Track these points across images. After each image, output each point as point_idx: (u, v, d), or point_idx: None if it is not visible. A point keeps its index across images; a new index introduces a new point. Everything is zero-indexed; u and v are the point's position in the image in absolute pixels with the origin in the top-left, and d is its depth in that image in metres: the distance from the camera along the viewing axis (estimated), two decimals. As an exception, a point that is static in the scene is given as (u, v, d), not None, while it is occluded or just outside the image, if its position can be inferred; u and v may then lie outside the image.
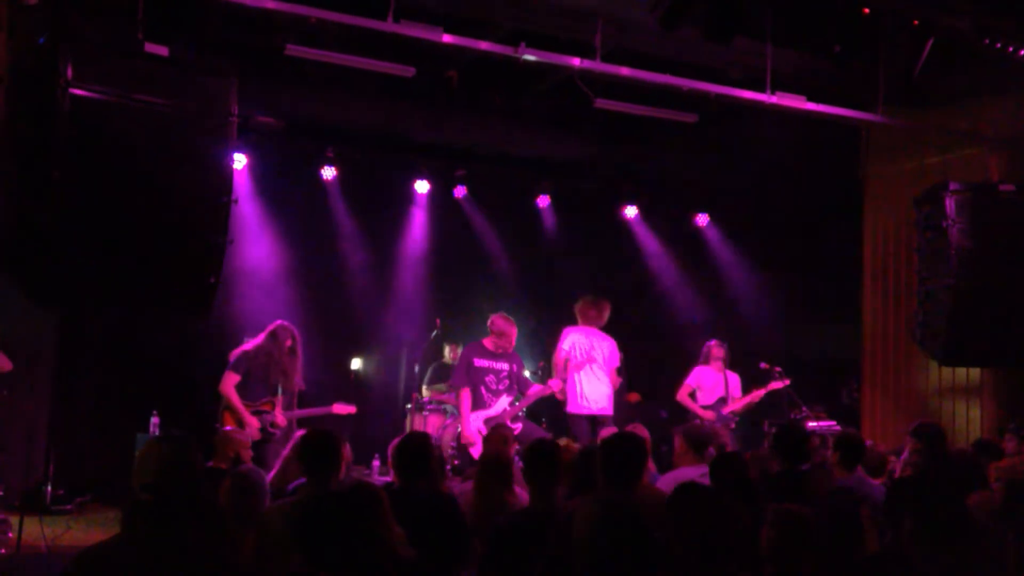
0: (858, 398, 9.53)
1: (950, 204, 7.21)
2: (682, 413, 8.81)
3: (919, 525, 2.83)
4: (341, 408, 7.43)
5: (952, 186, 7.25)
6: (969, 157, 8.24)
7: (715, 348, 8.86)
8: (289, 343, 7.01)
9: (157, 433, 7.48)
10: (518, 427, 7.28)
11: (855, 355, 9.48)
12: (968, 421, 7.63)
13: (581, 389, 7.90)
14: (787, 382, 8.59)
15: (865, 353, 9.36)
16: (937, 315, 7.28)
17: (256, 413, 6.85)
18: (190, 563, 2.73)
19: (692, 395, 8.86)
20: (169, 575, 2.68)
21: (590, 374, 7.93)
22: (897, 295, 8.85)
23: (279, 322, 7.10)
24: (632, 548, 2.24)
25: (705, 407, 8.74)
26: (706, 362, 8.90)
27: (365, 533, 2.84)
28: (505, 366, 7.69)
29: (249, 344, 7.00)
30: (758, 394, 8.80)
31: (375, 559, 2.91)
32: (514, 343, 7.79)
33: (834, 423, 8.21)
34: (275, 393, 6.96)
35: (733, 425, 8.73)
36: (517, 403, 7.69)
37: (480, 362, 7.65)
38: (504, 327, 7.69)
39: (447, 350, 9.66)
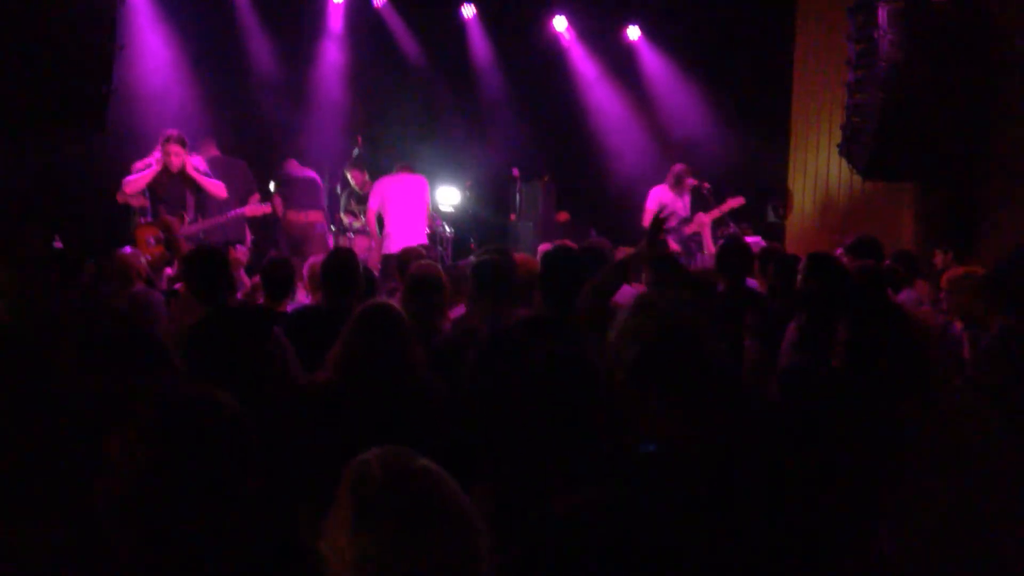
0: (784, 215, 9.59)
1: (883, 14, 6.99)
2: (608, 231, 8.57)
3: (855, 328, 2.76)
4: (253, 209, 6.94)
5: (885, -5, 7.01)
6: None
7: (689, 176, 8.28)
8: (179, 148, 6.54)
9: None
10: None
11: (782, 172, 9.46)
12: (887, 236, 7.68)
13: None
14: (741, 200, 8.32)
15: (791, 169, 9.34)
16: (863, 128, 7.20)
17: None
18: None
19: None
20: None
21: None
22: (825, 109, 8.74)
23: (166, 131, 6.60)
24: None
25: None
26: (672, 184, 8.28)
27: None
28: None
29: (149, 160, 6.61)
30: (716, 214, 8.28)
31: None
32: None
33: (759, 239, 8.22)
34: (184, 206, 6.61)
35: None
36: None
37: None
38: None
39: (350, 176, 8.85)
